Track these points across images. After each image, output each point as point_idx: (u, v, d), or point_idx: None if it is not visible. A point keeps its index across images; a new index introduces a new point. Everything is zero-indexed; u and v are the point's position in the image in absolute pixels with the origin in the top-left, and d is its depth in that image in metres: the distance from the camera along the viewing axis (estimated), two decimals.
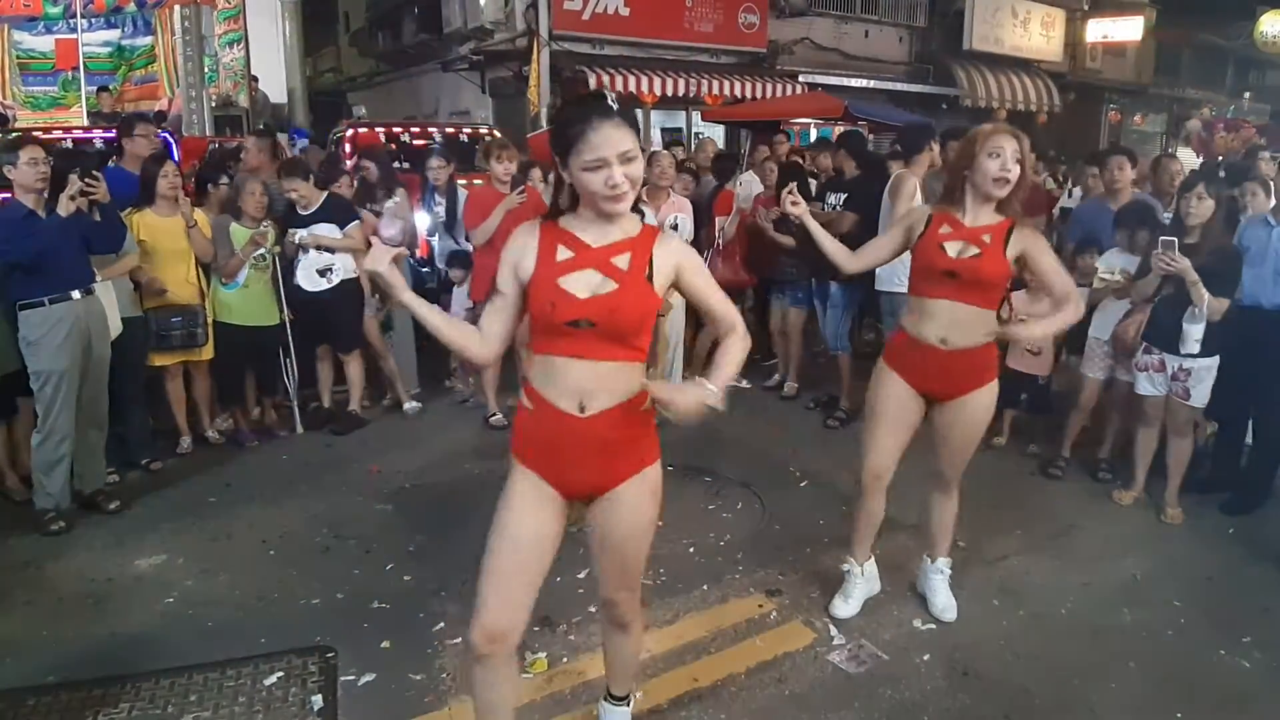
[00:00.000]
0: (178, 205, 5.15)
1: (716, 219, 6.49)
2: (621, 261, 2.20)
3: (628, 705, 2.83)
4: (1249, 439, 4.88)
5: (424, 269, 6.74)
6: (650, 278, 2.22)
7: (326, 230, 5.61)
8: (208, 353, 5.36)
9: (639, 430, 2.34)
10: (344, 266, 5.69)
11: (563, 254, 2.21)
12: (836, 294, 6.03)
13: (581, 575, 3.73)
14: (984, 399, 3.35)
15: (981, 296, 3.21)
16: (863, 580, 3.68)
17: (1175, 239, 4.19)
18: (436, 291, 6.36)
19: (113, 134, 7.36)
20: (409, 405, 6.21)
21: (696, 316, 6.62)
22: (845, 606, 3.63)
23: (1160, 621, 3.66)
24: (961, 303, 3.21)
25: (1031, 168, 3.30)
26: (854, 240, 5.56)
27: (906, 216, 3.49)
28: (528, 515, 2.32)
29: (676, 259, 2.27)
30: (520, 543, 2.31)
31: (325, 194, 5.75)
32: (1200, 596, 3.87)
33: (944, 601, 3.65)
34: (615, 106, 2.11)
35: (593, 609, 3.54)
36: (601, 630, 2.77)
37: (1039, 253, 3.22)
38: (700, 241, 6.43)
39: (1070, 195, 8.00)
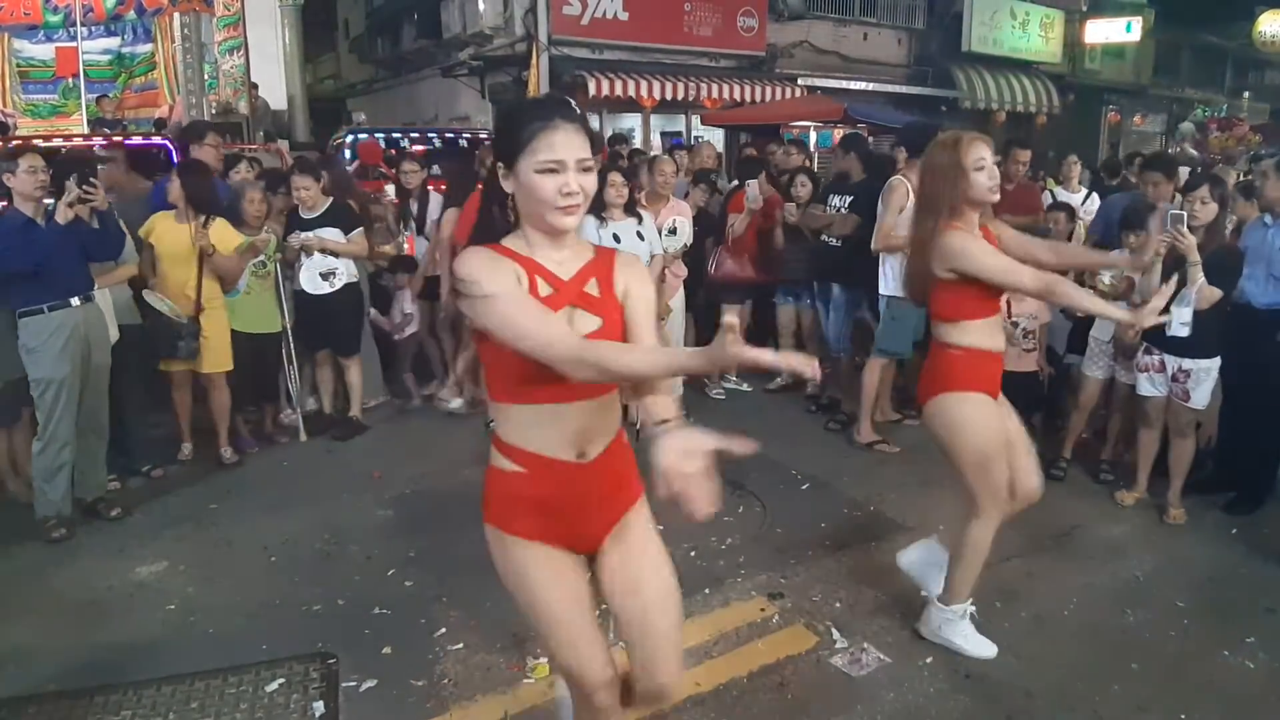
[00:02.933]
0: (196, 214, 5.11)
1: (730, 215, 6.54)
2: (594, 289, 2.02)
3: None
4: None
5: None
6: (617, 300, 2.06)
7: (331, 235, 5.62)
8: (213, 366, 5.23)
9: (628, 461, 2.19)
10: (347, 270, 5.70)
11: (543, 289, 1.97)
12: (839, 296, 6.04)
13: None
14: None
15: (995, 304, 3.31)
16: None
17: (1185, 213, 4.18)
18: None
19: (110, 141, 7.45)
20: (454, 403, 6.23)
21: (696, 321, 6.65)
22: (987, 645, 3.42)
23: (1163, 623, 3.65)
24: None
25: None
26: (857, 241, 5.63)
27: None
28: (560, 588, 2.10)
29: (627, 283, 2.06)
30: (575, 614, 2.11)
31: (330, 200, 5.75)
32: (1203, 597, 3.86)
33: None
34: (578, 112, 1.96)
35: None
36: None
37: (1013, 239, 3.35)
38: (708, 242, 6.50)
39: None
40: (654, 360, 1.94)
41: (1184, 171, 6.00)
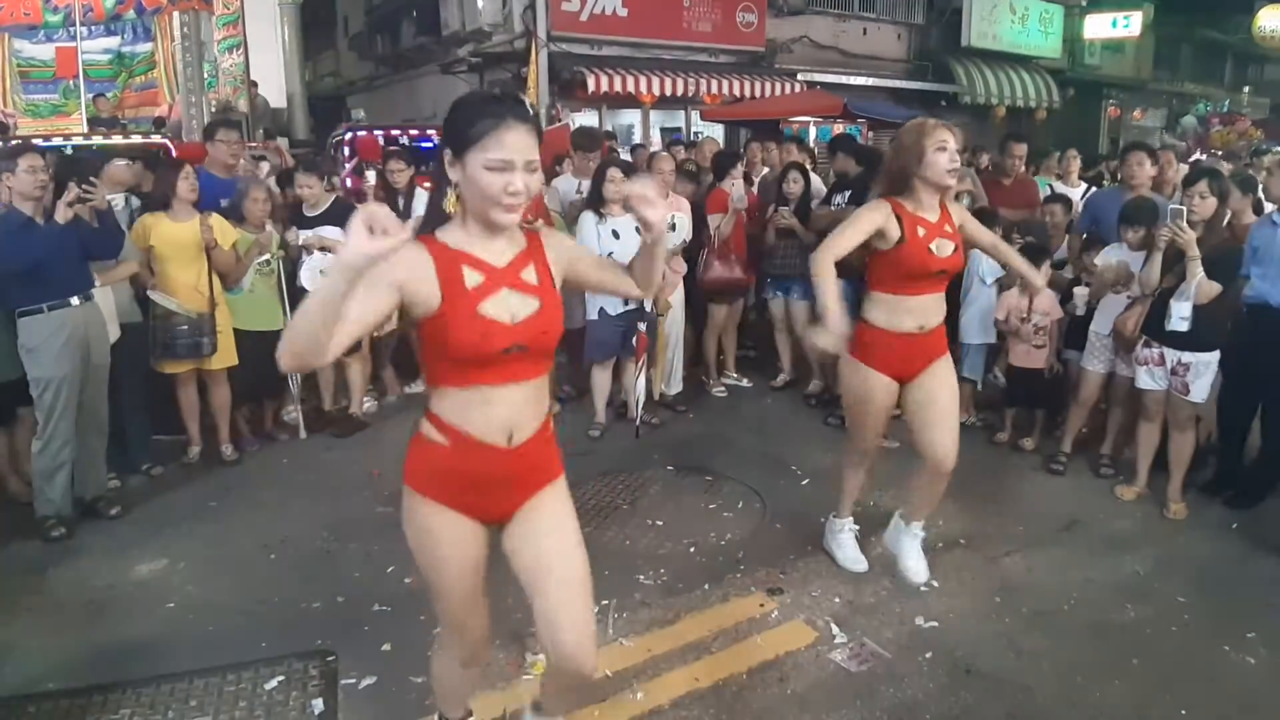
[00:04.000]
0: (194, 211, 5.11)
1: (709, 217, 6.43)
2: (530, 276, 2.08)
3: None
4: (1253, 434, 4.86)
5: None
6: (554, 284, 2.15)
7: (331, 234, 5.60)
8: (218, 362, 5.19)
9: (551, 448, 2.26)
10: None
11: (471, 277, 2.01)
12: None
13: None
14: (949, 360, 3.63)
15: (947, 282, 3.51)
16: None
17: (1184, 208, 4.18)
18: None
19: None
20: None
21: (694, 316, 6.63)
22: (859, 559, 4.02)
23: (1164, 618, 3.64)
24: (938, 293, 3.48)
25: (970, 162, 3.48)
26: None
27: (873, 216, 3.40)
28: (462, 553, 2.19)
29: (562, 252, 2.19)
30: (468, 577, 2.22)
31: (333, 198, 5.74)
32: (1204, 592, 3.85)
33: (917, 563, 3.82)
34: (532, 112, 2.01)
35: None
36: (545, 690, 2.55)
37: (968, 220, 3.57)
38: (700, 241, 6.40)
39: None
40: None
41: (1183, 168, 6.01)
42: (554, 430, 2.27)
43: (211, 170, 5.89)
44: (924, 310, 3.47)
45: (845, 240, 3.39)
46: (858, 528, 4.07)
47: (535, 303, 2.06)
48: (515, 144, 1.92)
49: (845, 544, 4.03)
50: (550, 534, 2.20)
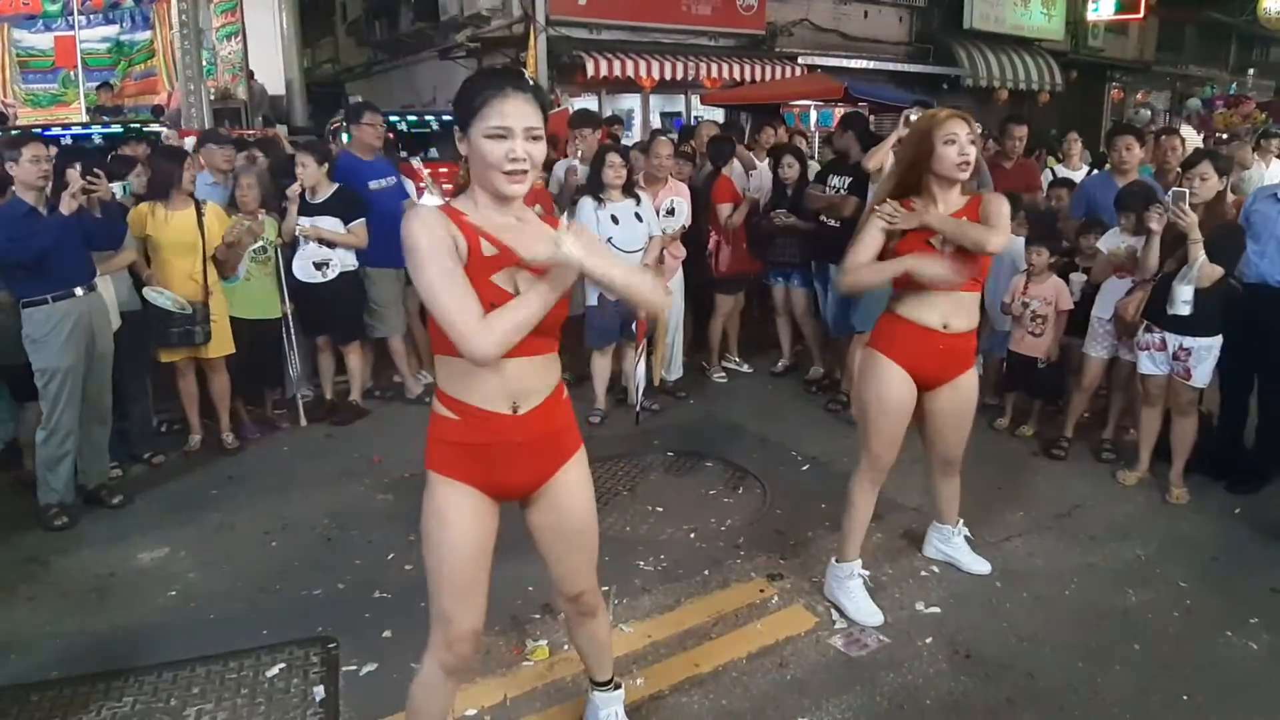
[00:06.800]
0: (190, 200, 5.11)
1: (717, 206, 6.39)
2: None
3: (619, 688, 2.80)
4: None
5: None
6: None
7: (330, 224, 5.58)
8: (216, 350, 5.19)
9: (566, 421, 2.33)
10: (342, 261, 5.65)
11: (487, 249, 2.07)
12: (835, 276, 6.00)
13: None
14: (973, 379, 3.48)
15: (971, 281, 3.28)
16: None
17: (1186, 190, 4.15)
18: None
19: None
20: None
21: (695, 302, 6.62)
22: (873, 611, 3.51)
23: (1166, 603, 3.64)
24: (963, 291, 3.27)
25: (982, 147, 3.35)
26: (855, 222, 5.58)
27: (877, 221, 3.28)
28: (467, 524, 2.25)
29: None
30: (469, 552, 2.26)
31: (336, 186, 5.67)
32: (1206, 577, 3.85)
33: (974, 560, 3.83)
34: (531, 83, 2.08)
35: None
36: (569, 630, 2.74)
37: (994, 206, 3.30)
38: (700, 228, 6.38)
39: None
40: (532, 300, 2.05)
41: (1188, 144, 5.99)
42: (565, 401, 2.32)
43: (355, 152, 6.06)
44: (944, 306, 3.26)
45: (863, 251, 3.27)
46: (867, 572, 3.61)
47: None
48: (514, 111, 2.00)
49: (855, 593, 3.53)
50: (572, 509, 2.36)
